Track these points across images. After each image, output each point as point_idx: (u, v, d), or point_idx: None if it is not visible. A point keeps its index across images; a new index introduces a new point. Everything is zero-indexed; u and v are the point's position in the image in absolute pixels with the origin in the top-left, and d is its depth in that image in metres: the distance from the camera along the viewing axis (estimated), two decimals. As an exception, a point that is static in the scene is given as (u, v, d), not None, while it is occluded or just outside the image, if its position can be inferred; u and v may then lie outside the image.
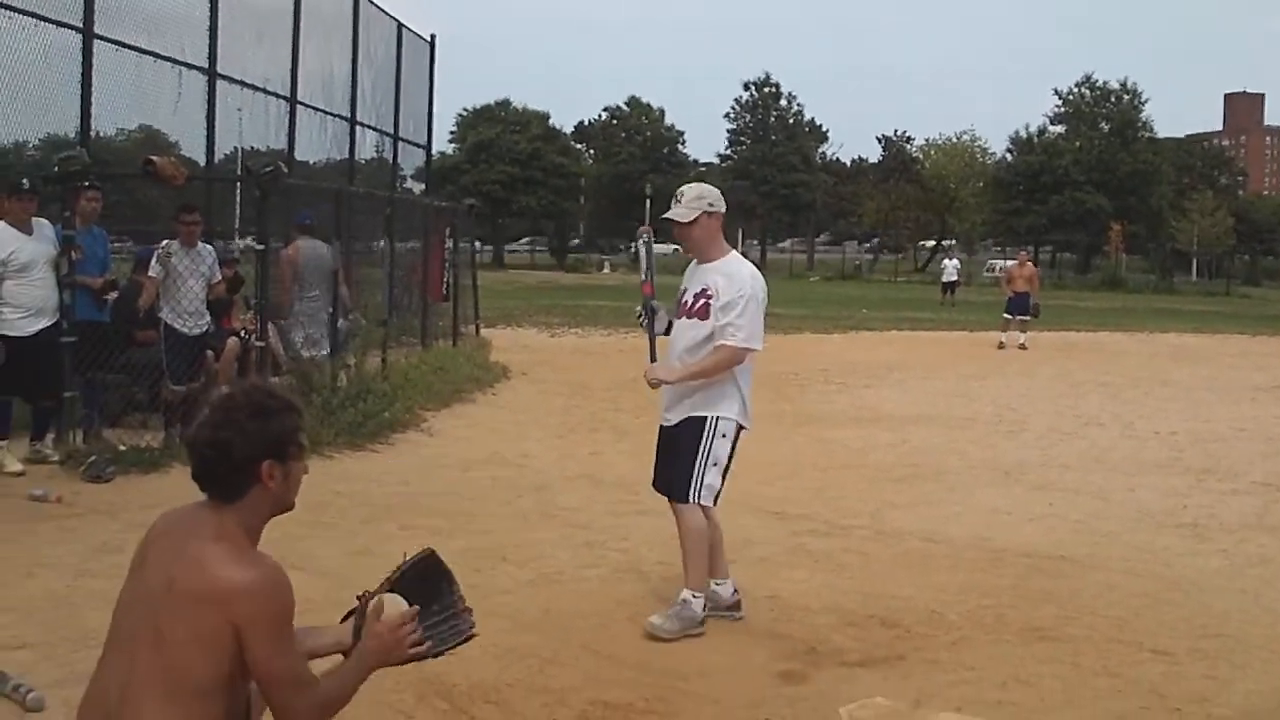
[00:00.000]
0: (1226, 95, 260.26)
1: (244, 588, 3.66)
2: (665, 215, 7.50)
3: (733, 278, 7.35)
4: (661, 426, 7.63)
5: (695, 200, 7.45)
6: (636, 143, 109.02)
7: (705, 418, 7.39)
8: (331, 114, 20.63)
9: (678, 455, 7.44)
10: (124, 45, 14.18)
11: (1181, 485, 12.91)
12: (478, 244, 35.08)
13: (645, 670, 6.70)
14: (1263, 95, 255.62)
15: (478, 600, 7.85)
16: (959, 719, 6.16)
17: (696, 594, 7.38)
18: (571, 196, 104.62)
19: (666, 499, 7.58)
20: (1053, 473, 13.48)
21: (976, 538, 10.25)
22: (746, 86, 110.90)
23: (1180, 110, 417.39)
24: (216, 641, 3.64)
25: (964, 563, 9.43)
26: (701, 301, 7.39)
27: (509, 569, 8.81)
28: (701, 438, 7.38)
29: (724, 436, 7.41)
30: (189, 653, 3.64)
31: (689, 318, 7.47)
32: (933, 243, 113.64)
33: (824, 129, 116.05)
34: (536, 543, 9.56)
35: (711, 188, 7.69)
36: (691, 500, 7.38)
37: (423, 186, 27.55)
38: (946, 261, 60.53)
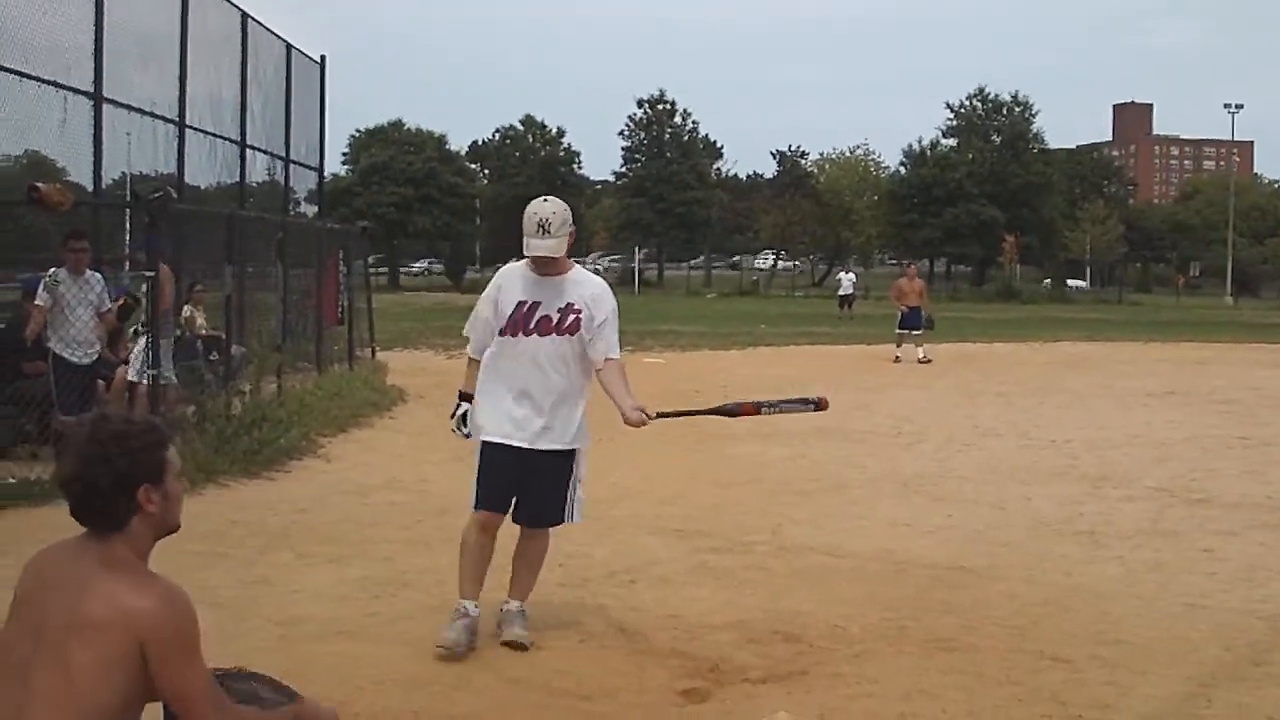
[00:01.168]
0: (1115, 106, 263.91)
1: (149, 609, 3.66)
2: (541, 254, 7.09)
3: (600, 294, 7.27)
4: (510, 446, 7.20)
5: (563, 226, 7.12)
6: (532, 163, 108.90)
7: (578, 450, 7.39)
8: (221, 137, 20.42)
9: (555, 485, 7.36)
10: (6, 70, 13.97)
11: (1078, 493, 13.03)
12: (374, 264, 34.82)
13: (550, 693, 6.65)
14: (1151, 105, 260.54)
15: (380, 628, 7.85)
16: (862, 733, 6.16)
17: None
18: (467, 217, 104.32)
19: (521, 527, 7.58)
20: (951, 484, 13.56)
21: (877, 550, 10.28)
22: (640, 104, 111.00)
23: (1070, 121, 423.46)
24: (124, 666, 3.64)
25: (865, 576, 9.45)
26: (571, 318, 7.18)
27: (411, 595, 8.73)
28: (574, 466, 7.41)
29: (584, 454, 7.54)
30: (95, 680, 3.62)
31: (558, 335, 7.18)
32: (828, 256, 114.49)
33: (719, 145, 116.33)
34: (437, 568, 9.44)
35: (561, 202, 7.35)
36: (565, 522, 7.51)
37: (316, 209, 27.31)
38: (843, 275, 60.84)
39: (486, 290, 7.36)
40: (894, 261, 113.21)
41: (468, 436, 7.47)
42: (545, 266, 7.19)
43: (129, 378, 13.86)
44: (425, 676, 6.88)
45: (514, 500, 7.37)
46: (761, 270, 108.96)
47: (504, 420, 7.20)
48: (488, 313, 7.29)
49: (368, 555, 9.85)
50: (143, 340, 13.24)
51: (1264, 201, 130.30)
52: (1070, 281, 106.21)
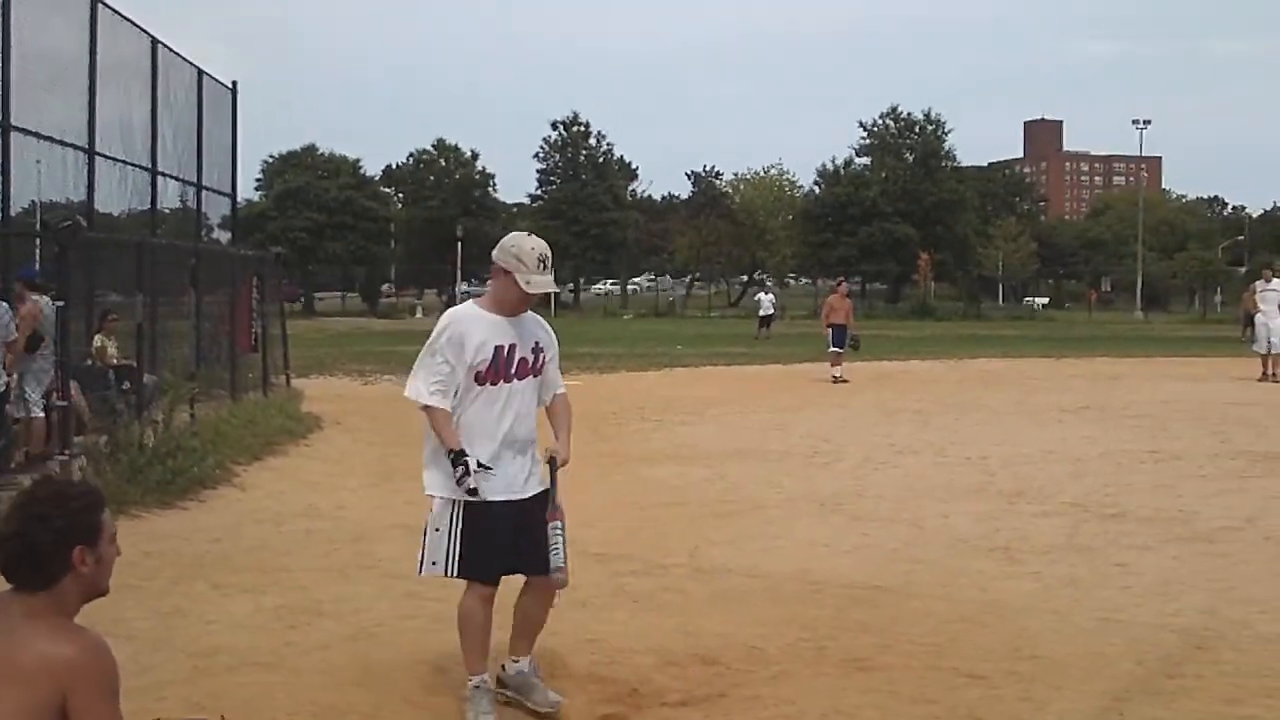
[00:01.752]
0: (1026, 123, 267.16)
1: (72, 658, 3.69)
2: (547, 290, 6.80)
3: (549, 329, 7.01)
4: (512, 501, 6.69)
5: (548, 259, 6.78)
6: (446, 186, 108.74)
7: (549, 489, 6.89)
8: (132, 164, 20.21)
9: (540, 529, 6.71)
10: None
11: (994, 509, 13.12)
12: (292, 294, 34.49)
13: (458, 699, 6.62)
14: (1060, 122, 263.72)
15: (296, 658, 7.79)
16: (781, 755, 6.17)
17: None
18: (382, 241, 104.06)
19: (528, 576, 6.88)
20: (868, 502, 13.62)
21: (795, 570, 10.31)
22: (555, 126, 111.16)
23: (982, 138, 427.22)
24: (45, 714, 3.65)
25: (783, 596, 9.48)
26: (540, 357, 6.85)
27: (327, 624, 8.67)
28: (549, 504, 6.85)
29: None
30: None
31: (533, 376, 6.83)
32: (746, 277, 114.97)
33: (633, 166, 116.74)
34: (354, 595, 9.42)
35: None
36: (555, 568, 6.78)
37: (229, 235, 27.13)
38: (762, 295, 60.99)
39: (439, 340, 6.67)
40: (809, 282, 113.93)
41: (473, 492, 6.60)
42: (524, 307, 6.81)
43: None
44: (341, 706, 6.83)
45: (516, 555, 6.72)
46: (678, 292, 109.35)
47: (498, 480, 6.63)
48: (454, 360, 6.64)
49: (284, 584, 9.77)
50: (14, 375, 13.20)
51: (1172, 216, 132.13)
52: (1032, 300, 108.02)
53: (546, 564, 6.65)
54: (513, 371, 6.70)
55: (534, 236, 6.85)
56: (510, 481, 6.67)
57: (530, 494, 6.73)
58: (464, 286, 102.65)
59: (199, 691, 7.00)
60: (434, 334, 6.70)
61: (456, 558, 6.61)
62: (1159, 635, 8.38)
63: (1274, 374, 28.87)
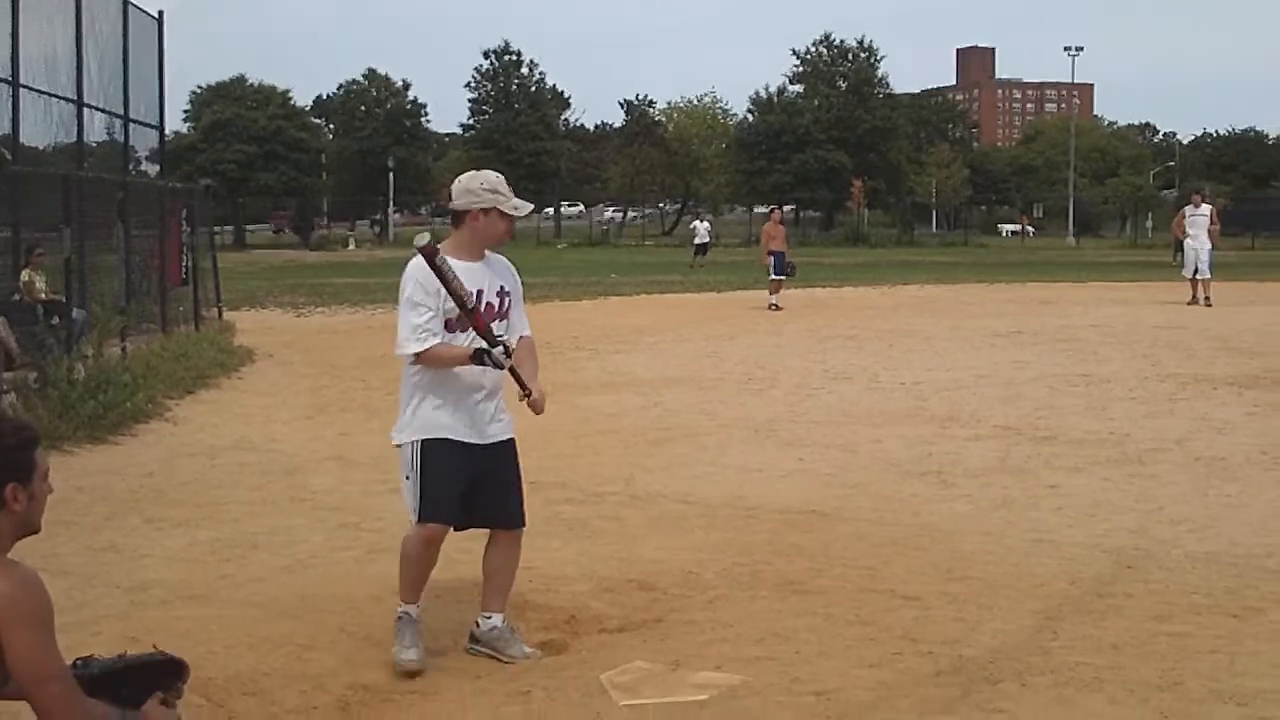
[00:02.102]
0: (959, 50, 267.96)
1: (4, 593, 3.69)
2: (529, 209, 6.84)
3: (515, 274, 6.89)
4: (475, 445, 6.59)
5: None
6: (377, 116, 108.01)
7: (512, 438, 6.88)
8: (57, 96, 19.91)
9: (515, 479, 6.80)
10: None
11: (926, 434, 13.20)
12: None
13: (432, 653, 6.59)
14: (993, 49, 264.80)
15: (230, 591, 7.77)
16: (717, 677, 6.20)
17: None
18: (313, 173, 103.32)
19: (492, 529, 6.82)
20: (802, 428, 13.68)
21: (730, 496, 10.36)
22: (486, 55, 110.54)
23: (915, 66, 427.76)
24: None
25: (718, 522, 9.52)
26: (506, 300, 6.76)
27: (261, 556, 8.66)
28: (516, 455, 6.89)
29: None
30: None
31: (500, 320, 6.67)
32: (679, 205, 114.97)
33: (566, 95, 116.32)
34: (288, 528, 9.40)
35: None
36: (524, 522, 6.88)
37: (157, 168, 26.82)
38: (697, 224, 60.88)
39: (413, 292, 6.43)
40: (744, 210, 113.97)
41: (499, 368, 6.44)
42: (509, 236, 6.78)
43: None
44: (276, 637, 6.81)
45: (475, 507, 6.63)
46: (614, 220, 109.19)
47: (459, 420, 6.54)
48: (433, 305, 6.42)
49: (217, 518, 9.74)
50: None
51: (1104, 143, 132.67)
52: (1005, 226, 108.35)
53: (511, 516, 6.70)
54: (489, 314, 6.56)
55: (484, 170, 6.79)
56: (475, 425, 6.58)
57: (495, 440, 6.65)
58: (397, 217, 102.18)
59: (134, 626, 6.97)
60: (405, 287, 6.49)
61: (418, 500, 6.52)
62: (1090, 555, 8.47)
63: (1204, 297, 29.15)
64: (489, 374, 6.55)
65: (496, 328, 6.52)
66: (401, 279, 6.56)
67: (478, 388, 6.58)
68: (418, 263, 6.44)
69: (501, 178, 6.64)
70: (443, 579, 7.11)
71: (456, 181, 6.69)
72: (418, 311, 6.42)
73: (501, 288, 6.68)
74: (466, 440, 6.55)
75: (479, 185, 6.55)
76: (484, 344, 6.35)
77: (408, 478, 6.57)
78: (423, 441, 6.52)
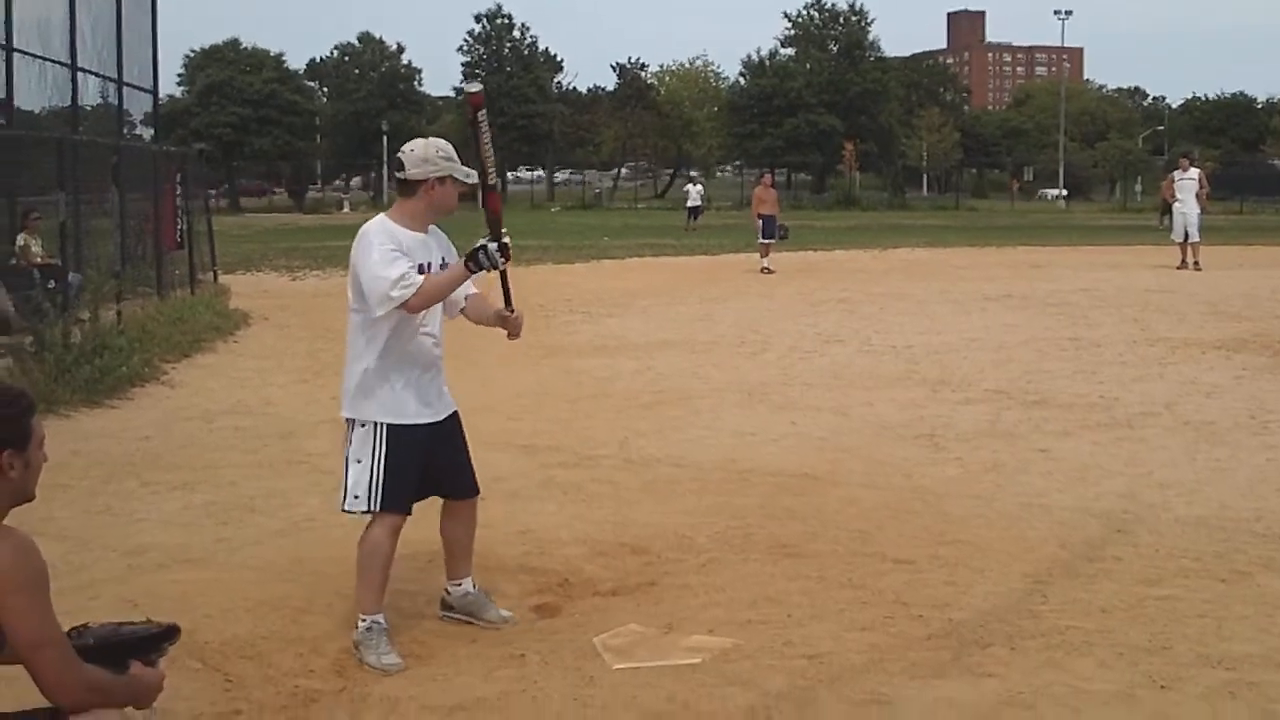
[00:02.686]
0: (949, 14, 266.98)
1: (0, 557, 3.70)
2: (473, 178, 6.35)
3: (448, 240, 6.62)
4: (429, 424, 6.42)
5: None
6: (372, 79, 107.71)
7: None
8: (51, 60, 19.89)
9: (466, 449, 6.65)
10: None
11: (918, 397, 13.26)
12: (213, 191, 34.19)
13: (399, 614, 6.61)
14: (983, 13, 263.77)
15: (227, 554, 7.82)
16: (710, 640, 6.26)
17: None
18: (307, 136, 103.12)
19: (447, 499, 6.69)
20: (795, 391, 13.73)
21: (723, 460, 10.40)
22: (478, 19, 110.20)
23: (906, 30, 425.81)
24: None
25: (711, 486, 9.56)
26: None
27: (257, 519, 8.70)
28: (462, 425, 6.75)
29: None
30: None
31: None
32: (672, 171, 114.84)
33: (558, 59, 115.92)
34: (284, 491, 9.44)
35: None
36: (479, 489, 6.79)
37: (151, 132, 26.77)
38: (690, 187, 60.80)
39: (382, 248, 6.17)
40: (735, 171, 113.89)
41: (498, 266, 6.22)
42: (454, 209, 6.44)
43: None
44: (273, 600, 6.88)
45: (431, 482, 6.49)
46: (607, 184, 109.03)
47: (412, 400, 6.34)
48: (404, 253, 6.19)
49: (213, 481, 9.78)
50: None
51: (1093, 106, 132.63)
52: (1048, 191, 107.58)
53: (468, 486, 6.62)
54: None
55: (433, 138, 6.53)
56: (427, 402, 6.42)
57: (444, 415, 6.52)
58: (392, 181, 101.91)
59: (131, 589, 7.02)
60: (370, 247, 6.21)
61: (379, 488, 6.23)
62: (1080, 519, 8.53)
63: (1193, 262, 29.20)
64: (437, 356, 6.44)
65: (443, 303, 6.41)
66: (360, 242, 6.31)
67: (428, 364, 6.42)
68: (379, 222, 6.33)
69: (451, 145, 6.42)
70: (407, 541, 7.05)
71: (407, 150, 6.38)
72: (395, 264, 6.12)
73: (443, 260, 6.43)
74: (421, 421, 6.37)
75: (435, 153, 6.30)
76: (481, 243, 6.12)
77: (360, 461, 6.26)
78: (388, 426, 6.27)
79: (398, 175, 6.37)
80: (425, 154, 6.31)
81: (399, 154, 6.39)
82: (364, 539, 6.35)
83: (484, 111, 6.20)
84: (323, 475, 9.72)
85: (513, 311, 6.53)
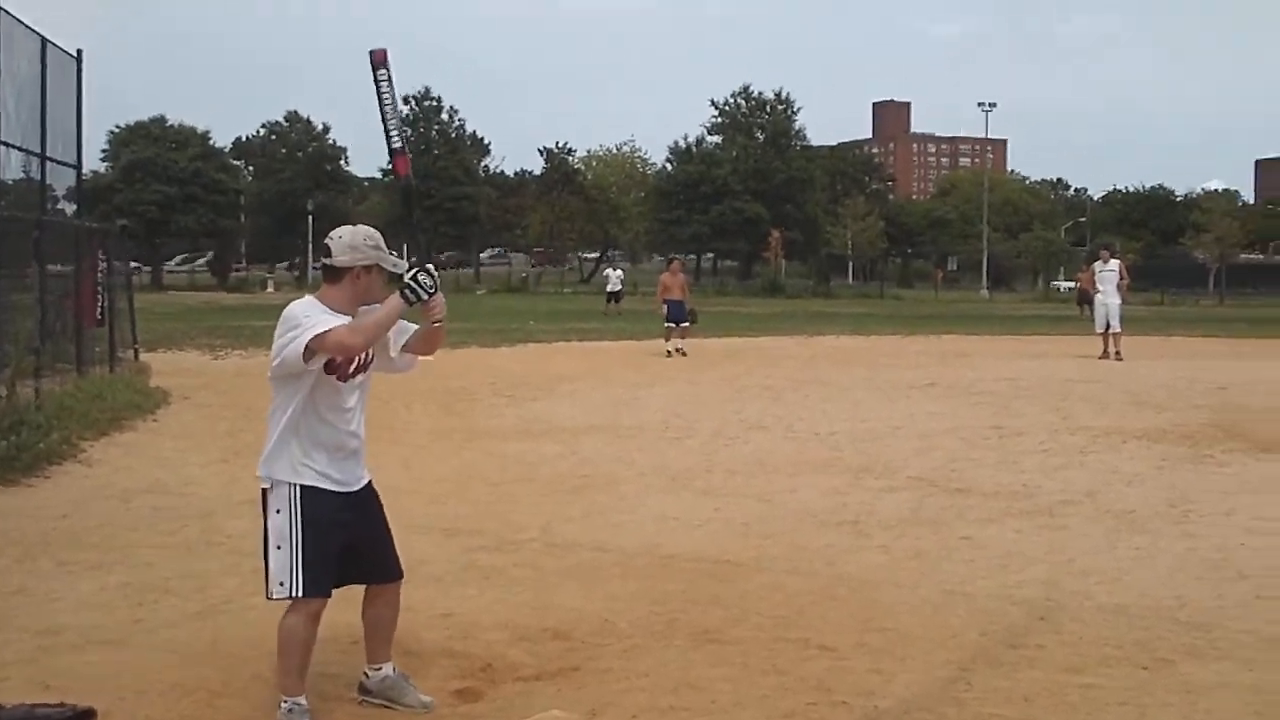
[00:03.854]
0: (875, 104, 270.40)
1: None
2: (402, 268, 6.28)
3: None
4: (347, 493, 6.31)
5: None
6: (299, 159, 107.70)
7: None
8: (-26, 134, 19.76)
9: (387, 528, 6.54)
10: None
11: (841, 484, 13.26)
12: (135, 264, 33.96)
13: (320, 697, 6.52)
14: (909, 104, 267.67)
15: (143, 636, 7.70)
16: (633, 727, 6.22)
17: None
18: (232, 215, 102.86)
19: (368, 585, 6.60)
20: (718, 477, 13.72)
21: (646, 545, 10.36)
22: (407, 100, 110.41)
23: (832, 119, 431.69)
24: None
25: (634, 571, 9.52)
26: (371, 353, 6.42)
27: (173, 601, 8.57)
28: (380, 501, 6.62)
29: None
30: None
31: (365, 372, 6.42)
32: (596, 254, 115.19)
33: (486, 142, 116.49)
34: (202, 572, 9.31)
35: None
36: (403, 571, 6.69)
37: (75, 207, 26.59)
38: (610, 271, 61.31)
39: (306, 315, 6.08)
40: (662, 258, 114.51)
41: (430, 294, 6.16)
42: (381, 297, 6.30)
43: None
44: (189, 684, 6.76)
45: (354, 566, 6.35)
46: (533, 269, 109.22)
47: (332, 471, 6.24)
48: (331, 324, 6.07)
49: (130, 561, 9.64)
50: None
51: (1016, 197, 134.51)
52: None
53: (391, 569, 6.52)
54: (361, 363, 6.36)
55: (360, 225, 6.49)
56: (347, 478, 6.31)
57: (361, 485, 6.39)
58: (317, 262, 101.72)
59: (44, 671, 6.89)
60: (294, 317, 6.10)
61: (299, 574, 6.09)
62: (1002, 607, 8.53)
63: (1115, 352, 29.51)
64: (359, 427, 6.36)
65: (358, 378, 6.34)
66: (286, 312, 6.16)
67: (351, 440, 6.33)
68: (307, 300, 6.27)
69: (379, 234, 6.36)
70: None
71: (335, 237, 6.31)
72: (319, 326, 6.01)
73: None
74: (335, 489, 6.24)
75: (362, 241, 6.26)
76: (408, 278, 6.09)
77: (280, 547, 6.13)
78: (301, 488, 6.15)
79: (325, 261, 6.31)
80: (353, 241, 6.26)
81: (326, 239, 6.31)
82: (284, 623, 6.23)
83: (385, 71, 6.21)
84: (242, 557, 9.59)
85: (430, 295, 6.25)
